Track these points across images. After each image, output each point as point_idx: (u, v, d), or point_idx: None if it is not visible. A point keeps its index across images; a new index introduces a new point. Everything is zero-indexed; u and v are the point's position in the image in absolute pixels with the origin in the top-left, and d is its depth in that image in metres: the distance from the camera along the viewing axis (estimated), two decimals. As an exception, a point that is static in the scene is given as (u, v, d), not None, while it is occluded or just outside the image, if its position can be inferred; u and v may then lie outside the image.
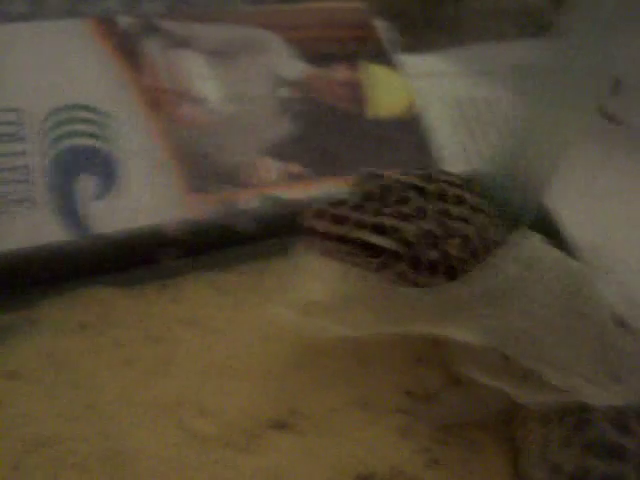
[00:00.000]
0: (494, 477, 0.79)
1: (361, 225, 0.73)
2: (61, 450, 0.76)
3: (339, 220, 0.74)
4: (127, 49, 1.08)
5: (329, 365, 0.83)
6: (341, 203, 0.75)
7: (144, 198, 0.99)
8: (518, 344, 0.74)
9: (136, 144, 1.02)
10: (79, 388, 0.80)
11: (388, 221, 0.73)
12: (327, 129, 1.09)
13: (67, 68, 1.05)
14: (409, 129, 1.11)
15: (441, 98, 1.16)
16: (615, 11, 0.74)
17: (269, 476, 0.76)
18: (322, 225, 0.74)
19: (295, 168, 1.05)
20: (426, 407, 0.81)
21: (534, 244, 0.78)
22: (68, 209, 0.96)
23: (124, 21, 1.10)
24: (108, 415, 0.79)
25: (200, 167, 1.02)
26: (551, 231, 0.91)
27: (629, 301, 0.95)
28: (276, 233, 0.89)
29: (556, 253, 0.79)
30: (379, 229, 0.73)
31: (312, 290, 0.81)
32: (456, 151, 1.10)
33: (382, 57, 1.17)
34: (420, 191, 0.76)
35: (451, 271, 0.75)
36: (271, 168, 1.04)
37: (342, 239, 0.74)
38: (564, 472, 0.72)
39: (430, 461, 0.78)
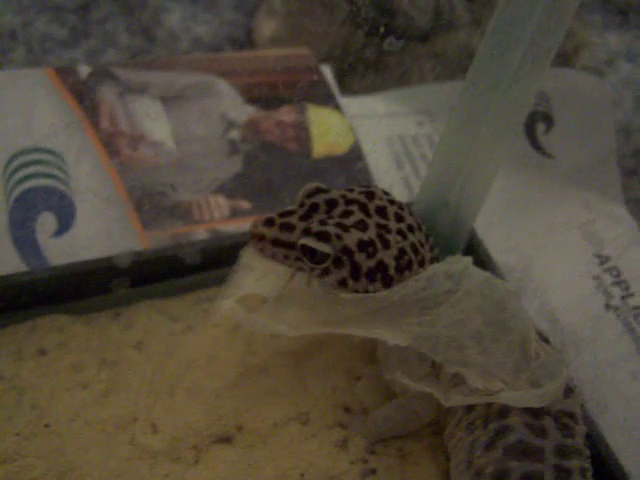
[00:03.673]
0: (428, 485, 0.83)
1: (307, 233, 0.78)
2: (20, 466, 0.80)
3: (287, 228, 0.79)
4: (86, 96, 1.13)
5: (271, 383, 0.88)
6: (289, 213, 0.80)
7: (101, 235, 1.03)
8: (446, 350, 0.78)
9: (94, 184, 1.07)
10: (38, 409, 0.84)
11: (332, 230, 0.78)
12: (274, 168, 1.14)
13: (30, 114, 1.09)
14: (351, 167, 1.16)
15: (382, 137, 1.21)
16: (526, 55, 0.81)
17: (215, 488, 0.81)
18: (271, 232, 0.79)
19: (243, 204, 1.10)
20: (363, 421, 0.85)
21: (465, 264, 0.84)
22: (29, 245, 1.01)
23: (83, 70, 1.15)
24: (65, 433, 0.83)
25: (154, 205, 1.07)
26: (481, 255, 0.96)
27: (549, 318, 1.01)
28: (220, 264, 0.93)
29: (484, 273, 0.85)
30: (324, 237, 0.77)
31: (258, 287, 0.85)
32: (396, 185, 1.15)
33: (327, 100, 1.22)
34: (363, 206, 0.81)
35: (387, 280, 0.79)
36: (221, 205, 1.09)
37: (289, 245, 0.78)
38: (485, 474, 0.76)
39: (367, 471, 0.82)
